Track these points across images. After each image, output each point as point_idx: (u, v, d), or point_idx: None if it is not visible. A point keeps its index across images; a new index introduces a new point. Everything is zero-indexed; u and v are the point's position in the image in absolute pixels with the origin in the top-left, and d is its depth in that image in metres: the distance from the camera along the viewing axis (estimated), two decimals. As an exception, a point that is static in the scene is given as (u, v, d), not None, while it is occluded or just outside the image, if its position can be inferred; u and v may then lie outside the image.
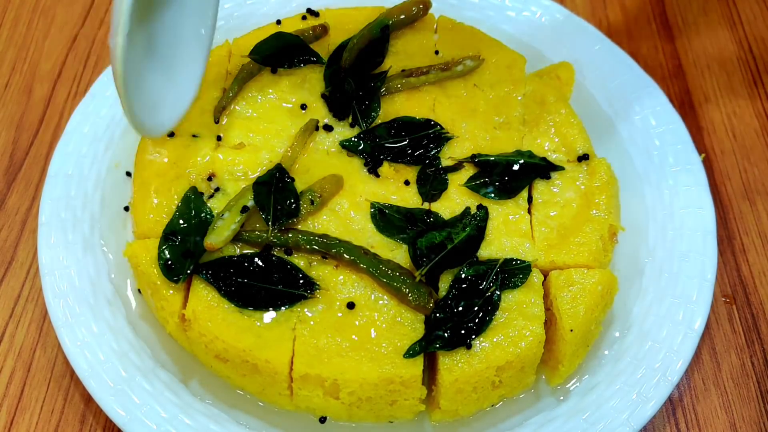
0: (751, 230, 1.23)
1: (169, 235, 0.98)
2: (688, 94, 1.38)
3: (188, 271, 0.96)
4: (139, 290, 1.07)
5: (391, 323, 0.95)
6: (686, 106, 1.36)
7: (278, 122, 1.11)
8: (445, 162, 1.09)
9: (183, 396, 0.99)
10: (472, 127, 1.12)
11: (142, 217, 1.02)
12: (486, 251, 1.01)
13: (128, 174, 1.15)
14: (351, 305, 0.96)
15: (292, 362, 0.93)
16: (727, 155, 1.31)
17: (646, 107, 1.23)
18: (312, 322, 0.95)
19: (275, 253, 0.98)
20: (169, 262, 0.96)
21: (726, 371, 1.10)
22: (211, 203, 1.03)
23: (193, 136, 1.09)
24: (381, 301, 0.97)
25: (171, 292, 0.97)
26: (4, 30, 1.41)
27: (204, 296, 0.96)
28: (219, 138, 1.09)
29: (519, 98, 1.15)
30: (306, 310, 0.96)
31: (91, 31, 1.42)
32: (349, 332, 0.94)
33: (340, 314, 0.96)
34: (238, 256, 0.98)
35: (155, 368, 1.01)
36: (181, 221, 0.99)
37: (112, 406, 0.95)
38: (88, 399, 1.04)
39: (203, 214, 1.00)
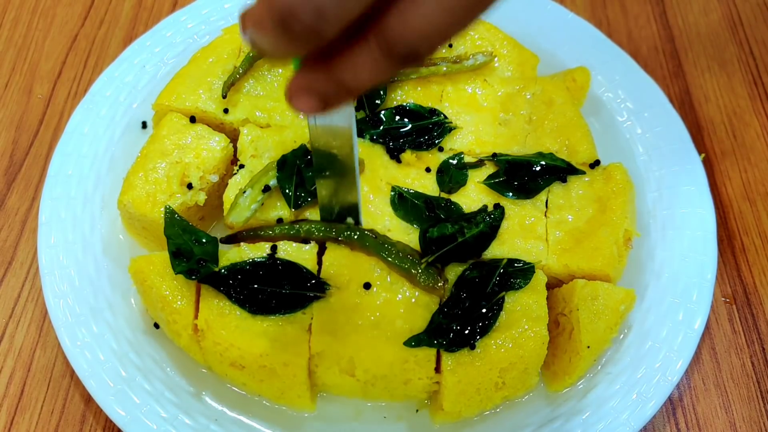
0: (751, 230, 1.23)
1: (175, 253, 0.97)
2: (688, 94, 1.38)
3: (194, 277, 0.96)
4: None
5: (406, 304, 0.96)
6: (686, 106, 1.36)
7: (284, 101, 1.10)
8: (447, 153, 1.10)
9: (183, 396, 0.99)
10: (477, 121, 1.13)
11: (133, 184, 1.04)
12: (499, 250, 1.01)
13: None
14: (368, 285, 0.96)
15: (309, 364, 0.94)
16: (727, 155, 1.30)
17: (646, 107, 1.23)
18: (329, 309, 0.96)
19: (282, 257, 0.98)
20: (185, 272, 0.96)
21: (726, 371, 1.10)
22: (234, 180, 1.04)
23: (191, 120, 1.11)
24: (396, 283, 0.97)
25: (181, 303, 0.96)
26: (4, 30, 1.41)
27: (215, 305, 0.95)
28: (226, 111, 1.10)
29: (528, 96, 1.15)
30: (322, 302, 0.96)
31: (91, 31, 1.41)
32: (365, 312, 0.95)
33: (356, 295, 0.96)
34: (245, 262, 0.97)
35: (155, 368, 1.01)
36: (175, 242, 0.97)
37: (112, 406, 0.95)
38: (88, 399, 1.04)
39: (190, 235, 0.98)
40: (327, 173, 0.93)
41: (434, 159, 1.09)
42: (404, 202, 1.04)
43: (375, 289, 0.96)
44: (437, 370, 0.96)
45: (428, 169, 1.08)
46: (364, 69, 0.57)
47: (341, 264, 0.98)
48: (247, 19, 0.55)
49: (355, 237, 0.98)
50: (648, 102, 1.24)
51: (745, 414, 1.06)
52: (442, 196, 1.06)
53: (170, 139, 1.08)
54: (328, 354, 0.93)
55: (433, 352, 0.94)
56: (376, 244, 0.98)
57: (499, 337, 0.94)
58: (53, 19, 1.43)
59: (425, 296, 0.96)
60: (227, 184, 1.05)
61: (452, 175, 1.07)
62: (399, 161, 1.08)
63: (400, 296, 0.96)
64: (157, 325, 1.04)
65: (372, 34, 0.55)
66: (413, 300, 0.96)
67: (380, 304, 0.96)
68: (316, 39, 0.53)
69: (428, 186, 1.06)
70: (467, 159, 1.09)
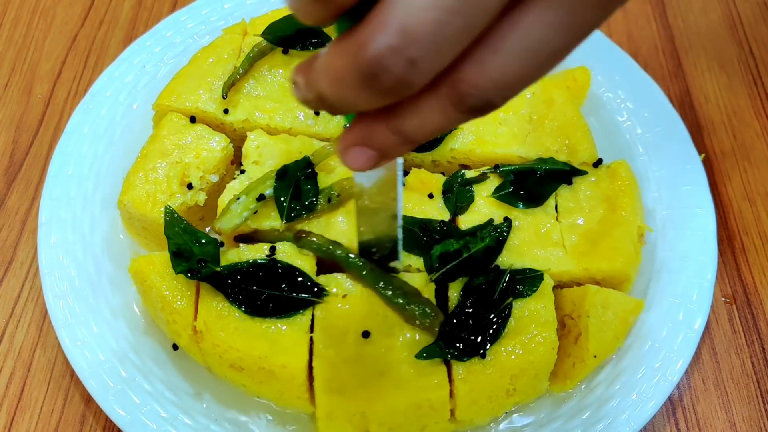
0: (751, 230, 1.23)
1: (175, 253, 0.96)
2: (688, 95, 1.38)
3: (195, 277, 0.95)
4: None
5: (410, 347, 0.92)
6: (686, 106, 1.36)
7: (284, 102, 1.12)
8: (447, 167, 1.09)
9: (183, 396, 0.99)
10: (477, 121, 1.12)
11: (133, 184, 1.04)
12: (520, 262, 1.00)
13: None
14: (366, 334, 0.93)
15: (309, 365, 0.93)
16: (727, 155, 1.30)
17: (646, 107, 1.23)
18: (330, 365, 0.93)
19: (281, 259, 0.97)
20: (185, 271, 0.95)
21: (726, 371, 1.10)
22: (232, 185, 1.03)
23: (191, 120, 1.11)
24: (395, 327, 0.93)
25: (181, 303, 0.96)
26: (4, 30, 1.41)
27: (214, 306, 0.95)
28: (226, 111, 1.10)
29: (528, 96, 1.15)
30: (319, 313, 0.95)
31: (91, 31, 1.42)
32: (367, 362, 0.92)
33: (355, 346, 0.92)
34: (245, 263, 0.96)
35: (155, 368, 1.01)
36: (175, 242, 0.97)
37: (112, 406, 0.95)
38: (88, 399, 1.04)
39: (190, 235, 0.98)
40: (368, 212, 0.88)
41: (438, 183, 1.06)
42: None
43: (374, 336, 0.93)
44: (451, 393, 0.93)
45: (431, 195, 1.05)
46: (431, 119, 0.51)
47: (336, 317, 0.95)
48: (319, 74, 0.49)
49: (351, 261, 0.96)
50: (648, 102, 1.24)
51: (745, 414, 1.06)
52: (439, 219, 1.02)
53: (170, 139, 1.08)
54: (338, 413, 0.90)
55: (446, 392, 0.90)
56: (372, 277, 0.95)
57: (509, 344, 0.93)
58: (53, 19, 1.43)
59: (427, 336, 0.93)
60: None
61: (458, 194, 1.05)
62: (402, 184, 1.05)
63: (401, 339, 0.93)
64: (175, 347, 1.03)
65: (443, 83, 0.49)
66: (416, 340, 0.92)
67: (382, 352, 0.92)
68: (404, 92, 0.48)
69: (429, 213, 1.03)
70: (469, 174, 1.07)
